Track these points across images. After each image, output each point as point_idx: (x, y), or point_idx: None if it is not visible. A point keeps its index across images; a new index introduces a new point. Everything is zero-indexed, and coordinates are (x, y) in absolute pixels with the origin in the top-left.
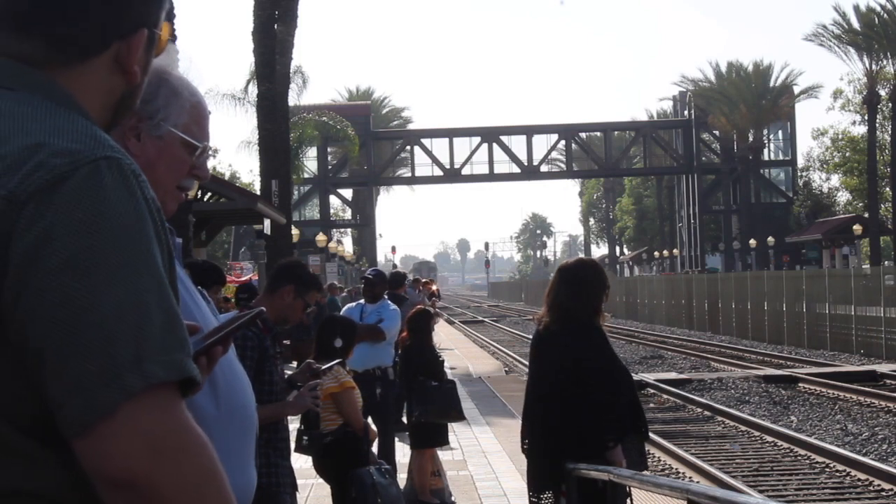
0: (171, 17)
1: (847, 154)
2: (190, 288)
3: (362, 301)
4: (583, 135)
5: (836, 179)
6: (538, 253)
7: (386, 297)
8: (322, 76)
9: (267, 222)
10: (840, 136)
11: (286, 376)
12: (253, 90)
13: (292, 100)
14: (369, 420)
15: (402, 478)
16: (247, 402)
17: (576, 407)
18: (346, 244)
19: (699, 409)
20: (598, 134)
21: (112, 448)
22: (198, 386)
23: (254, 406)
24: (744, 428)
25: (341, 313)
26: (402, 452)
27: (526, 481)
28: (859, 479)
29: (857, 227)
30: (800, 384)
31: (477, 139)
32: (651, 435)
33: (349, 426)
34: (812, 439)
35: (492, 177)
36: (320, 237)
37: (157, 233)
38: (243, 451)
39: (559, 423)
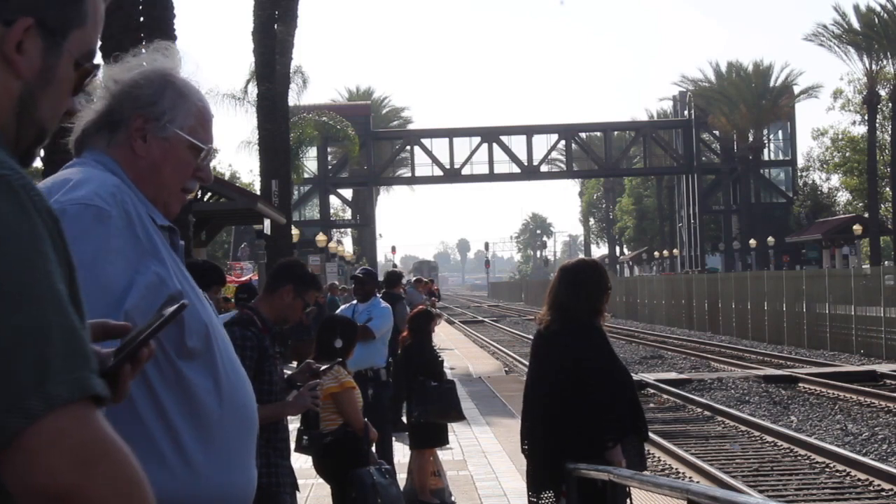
0: (170, 17)
1: (847, 154)
2: (195, 287)
3: (355, 301)
4: (583, 135)
5: (836, 179)
6: (538, 253)
7: (379, 295)
8: (322, 76)
9: (267, 222)
10: (840, 136)
11: (286, 376)
12: (253, 90)
13: (292, 100)
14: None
15: (401, 478)
16: (248, 402)
17: (576, 407)
18: (346, 244)
19: (699, 409)
20: (598, 134)
21: (38, 464)
22: (106, 400)
23: (255, 405)
24: (744, 428)
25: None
26: (402, 453)
27: (525, 481)
28: (859, 479)
29: (857, 227)
30: (800, 384)
31: (477, 139)
32: (651, 435)
33: (349, 426)
34: (812, 439)
35: (492, 177)
36: (320, 237)
37: (55, 247)
38: (244, 449)
39: (559, 423)
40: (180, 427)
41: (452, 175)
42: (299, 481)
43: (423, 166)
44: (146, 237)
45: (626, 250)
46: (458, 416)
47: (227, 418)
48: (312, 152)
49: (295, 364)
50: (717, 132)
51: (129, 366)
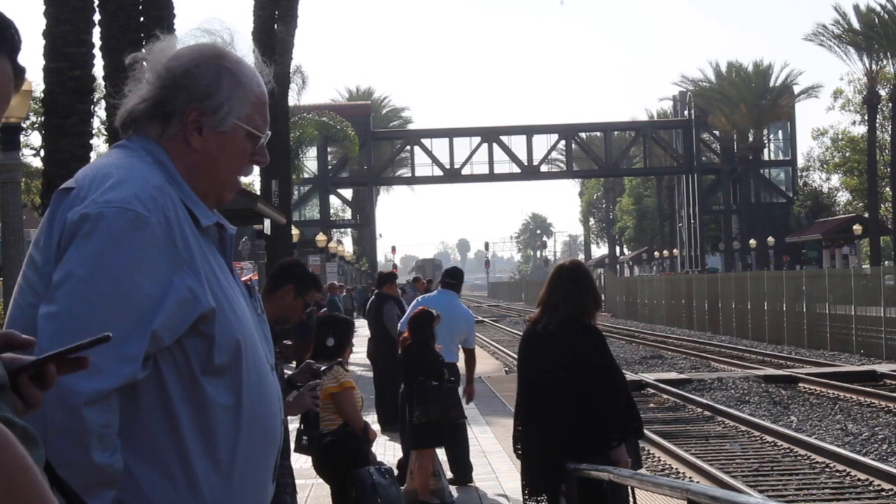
0: (171, 17)
1: (847, 154)
2: (234, 296)
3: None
4: (583, 135)
5: (836, 179)
6: (538, 253)
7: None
8: (322, 76)
9: (267, 222)
10: (840, 136)
11: (286, 377)
12: None
13: (292, 100)
14: (369, 420)
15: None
16: (272, 419)
17: (579, 406)
18: (345, 244)
19: (699, 409)
20: (598, 134)
21: None
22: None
23: (279, 422)
24: (744, 428)
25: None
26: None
27: (522, 483)
28: (859, 479)
29: (857, 227)
30: (800, 384)
31: (477, 139)
32: (651, 435)
33: (349, 426)
34: (812, 439)
35: (492, 177)
36: (320, 237)
37: None
38: (261, 469)
39: (562, 422)
40: (191, 444)
41: (452, 175)
42: (299, 481)
43: (423, 166)
44: (184, 245)
45: (626, 250)
46: (459, 416)
47: (244, 437)
48: (312, 152)
49: (295, 364)
50: (717, 132)
51: (26, 378)
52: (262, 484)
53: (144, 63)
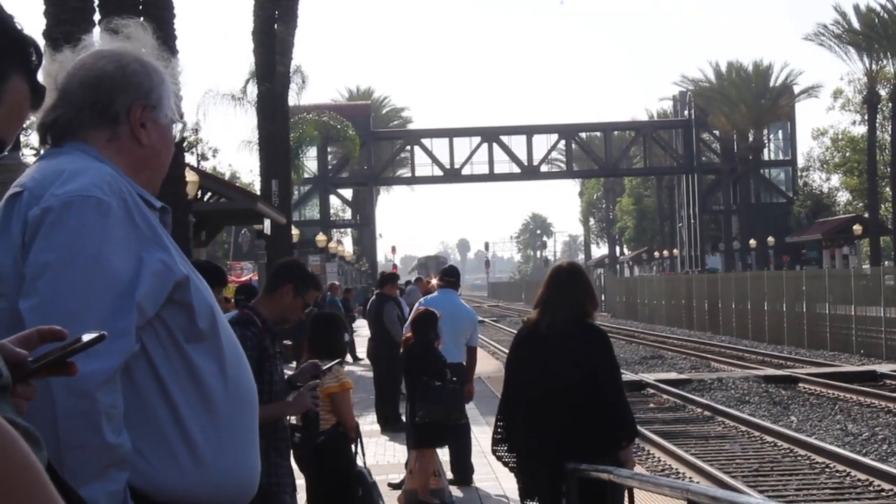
0: (170, 17)
1: (847, 154)
2: (195, 270)
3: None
4: (583, 135)
5: (836, 179)
6: (538, 253)
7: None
8: (322, 76)
9: (267, 222)
10: (840, 136)
11: (286, 377)
12: (253, 90)
13: (292, 99)
14: (369, 420)
15: (397, 478)
16: (250, 385)
17: (587, 407)
18: (346, 244)
19: (699, 410)
20: (598, 134)
21: None
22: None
23: (255, 392)
24: (744, 428)
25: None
26: (403, 452)
27: (524, 485)
28: (859, 480)
29: (857, 228)
30: (800, 384)
31: (477, 139)
32: (651, 435)
33: (341, 426)
34: (812, 439)
35: (492, 177)
36: (320, 237)
37: None
38: (251, 432)
39: (570, 423)
40: (188, 417)
41: (452, 175)
42: (299, 482)
43: (423, 166)
44: (145, 224)
45: (626, 250)
46: (461, 417)
47: (231, 401)
48: (312, 152)
49: (294, 364)
50: (717, 132)
51: (19, 387)
52: (254, 445)
53: (59, 73)
